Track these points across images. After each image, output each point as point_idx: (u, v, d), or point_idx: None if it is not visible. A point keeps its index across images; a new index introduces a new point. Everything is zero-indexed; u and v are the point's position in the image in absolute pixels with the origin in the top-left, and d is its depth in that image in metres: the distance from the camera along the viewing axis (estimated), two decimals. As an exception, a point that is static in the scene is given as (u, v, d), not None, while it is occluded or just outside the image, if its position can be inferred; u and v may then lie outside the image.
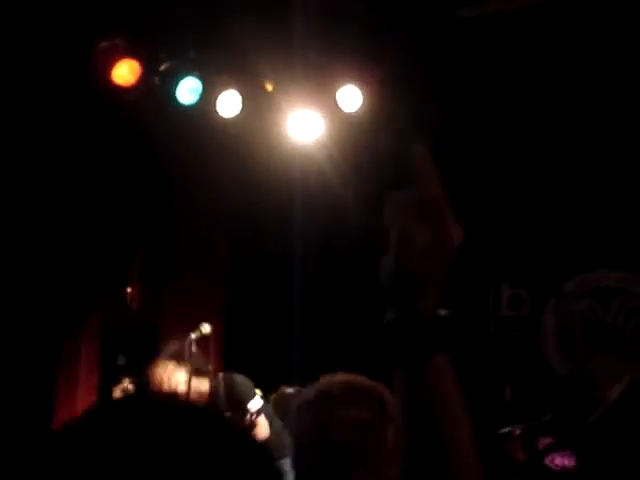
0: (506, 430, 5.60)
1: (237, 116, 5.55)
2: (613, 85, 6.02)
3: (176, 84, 5.34)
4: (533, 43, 5.94)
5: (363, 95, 5.81)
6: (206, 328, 4.63)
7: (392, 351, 0.99)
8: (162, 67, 5.28)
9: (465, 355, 5.98)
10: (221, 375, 4.73)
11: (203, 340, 4.65)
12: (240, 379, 4.69)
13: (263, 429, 4.60)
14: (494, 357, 6.42)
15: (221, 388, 4.67)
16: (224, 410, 4.53)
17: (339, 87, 5.80)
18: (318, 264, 6.10)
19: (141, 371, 5.72)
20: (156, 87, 5.32)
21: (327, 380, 1.87)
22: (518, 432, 5.51)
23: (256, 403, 4.62)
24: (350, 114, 5.84)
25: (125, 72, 5.18)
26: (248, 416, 4.51)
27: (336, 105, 5.79)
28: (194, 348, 4.60)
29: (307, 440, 1.81)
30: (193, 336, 4.59)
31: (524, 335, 6.54)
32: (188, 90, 5.39)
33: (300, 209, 5.62)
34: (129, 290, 7.16)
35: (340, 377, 1.88)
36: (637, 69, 5.84)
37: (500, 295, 6.65)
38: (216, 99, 5.51)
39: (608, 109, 6.09)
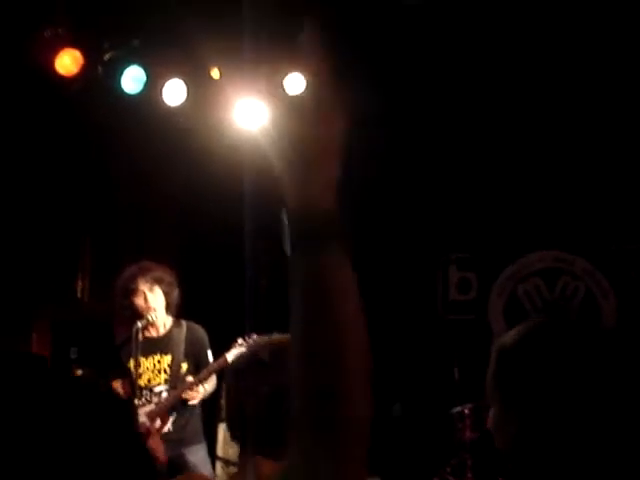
0: (456, 410, 5.71)
1: (183, 104, 5.53)
2: (558, 68, 6.13)
3: (120, 73, 5.30)
4: (477, 29, 6.01)
5: (307, 82, 5.82)
6: (152, 316, 4.67)
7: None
8: (105, 56, 5.24)
9: (415, 338, 6.06)
10: (185, 323, 4.80)
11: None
12: (202, 332, 4.78)
13: (212, 383, 4.69)
14: (443, 339, 6.51)
15: (183, 335, 4.75)
16: (181, 356, 4.66)
17: (285, 74, 5.82)
18: (268, 248, 6.12)
19: (93, 363, 5.72)
20: (100, 77, 5.27)
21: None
22: (467, 411, 5.61)
23: (210, 357, 4.74)
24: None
25: (68, 62, 5.13)
26: (205, 370, 4.61)
27: (283, 92, 5.80)
28: (141, 337, 4.64)
29: (234, 410, 1.84)
30: (140, 325, 4.63)
31: (473, 318, 6.65)
32: (132, 79, 5.35)
33: (249, 196, 5.64)
34: (79, 282, 7.11)
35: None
36: (586, 45, 5.94)
37: (449, 279, 6.74)
38: (161, 88, 5.48)
39: (554, 92, 6.20)
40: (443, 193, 6.59)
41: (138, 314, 4.67)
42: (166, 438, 4.66)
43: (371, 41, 5.91)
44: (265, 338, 1.92)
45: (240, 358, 1.94)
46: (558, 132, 6.31)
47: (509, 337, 1.58)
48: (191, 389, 4.61)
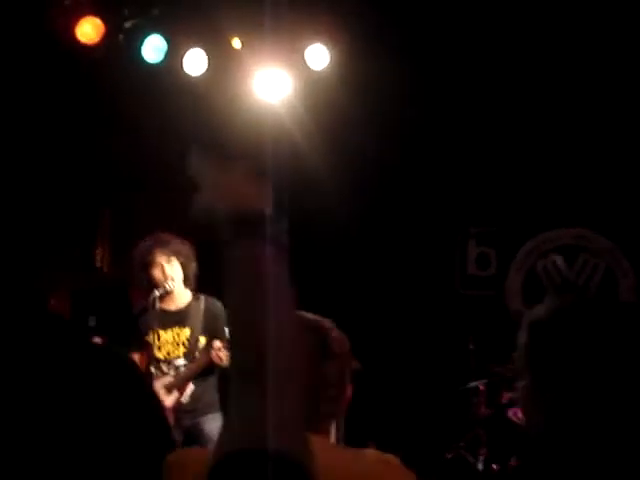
0: (471, 385, 5.70)
1: (203, 74, 5.51)
2: (580, 46, 6.05)
3: (141, 42, 5.28)
4: (501, 3, 5.94)
5: (331, 54, 5.78)
6: (170, 285, 4.69)
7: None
8: (126, 25, 5.22)
9: (432, 313, 6.04)
10: (203, 297, 4.80)
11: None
12: (220, 306, 4.76)
13: (225, 360, 4.68)
14: (461, 315, 6.50)
15: (201, 309, 4.76)
16: (199, 329, 4.67)
17: (307, 45, 5.78)
18: (287, 221, 6.11)
19: (111, 332, 5.76)
20: (121, 45, 5.26)
21: None
22: (482, 387, 5.61)
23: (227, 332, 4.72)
24: (318, 72, 5.82)
25: (89, 30, 5.12)
26: (219, 343, 4.59)
27: (304, 63, 5.77)
28: (157, 304, 4.66)
29: None
30: (157, 293, 4.65)
31: (491, 294, 6.62)
32: (153, 48, 5.33)
33: (273, 168, 5.61)
34: (98, 251, 7.14)
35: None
36: (600, 27, 5.87)
37: (467, 254, 6.71)
38: (182, 57, 5.46)
39: (575, 67, 6.13)
40: (464, 167, 6.54)
41: (155, 285, 4.69)
42: (183, 408, 4.70)
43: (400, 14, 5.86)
44: None
45: None
46: (584, 108, 6.24)
47: (543, 310, 1.56)
48: (218, 353, 4.58)
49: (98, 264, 7.15)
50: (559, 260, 6.52)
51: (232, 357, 1.13)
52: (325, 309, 6.38)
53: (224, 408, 5.00)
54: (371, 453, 1.81)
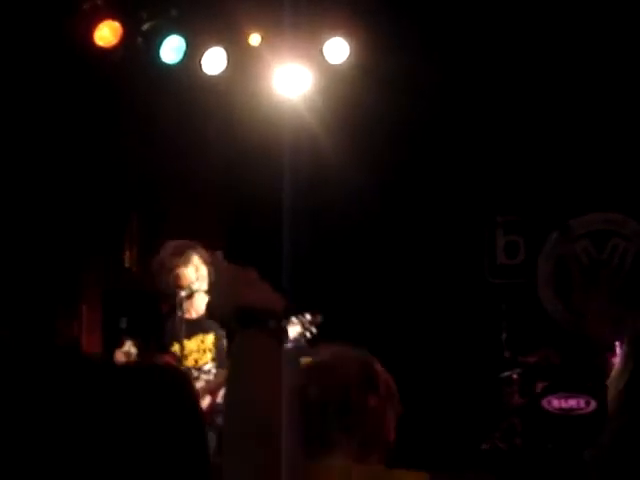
0: (504, 375, 5.66)
1: (223, 73, 5.51)
2: (608, 31, 5.97)
3: (159, 43, 5.29)
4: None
5: (350, 47, 5.76)
6: (195, 285, 4.70)
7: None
8: (144, 27, 5.23)
9: (462, 303, 5.98)
10: None
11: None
12: None
13: None
14: (491, 304, 6.44)
15: None
16: (223, 333, 4.69)
17: (326, 40, 5.75)
18: (307, 218, 6.11)
19: (142, 333, 5.79)
20: (139, 47, 5.27)
21: (323, 349, 1.92)
22: (515, 377, 5.56)
23: None
24: (337, 66, 5.80)
25: (107, 33, 5.14)
26: None
27: (323, 58, 5.74)
28: (185, 304, 4.68)
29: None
30: (183, 294, 4.66)
31: (520, 282, 6.56)
32: (172, 49, 5.34)
33: (288, 163, 5.61)
34: (126, 253, 7.18)
35: (333, 347, 1.93)
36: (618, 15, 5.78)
37: (496, 242, 6.66)
38: (201, 57, 5.46)
39: (602, 54, 6.05)
40: (490, 155, 6.49)
41: (181, 286, 4.69)
42: (217, 408, 4.73)
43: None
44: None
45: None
46: (610, 91, 6.15)
47: None
48: None
49: (127, 265, 7.19)
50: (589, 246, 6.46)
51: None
52: (352, 302, 6.37)
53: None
54: (406, 474, 1.83)
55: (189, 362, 4.73)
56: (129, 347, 5.57)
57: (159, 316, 5.22)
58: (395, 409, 1.92)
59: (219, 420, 4.70)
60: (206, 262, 4.73)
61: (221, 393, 4.74)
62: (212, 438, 4.64)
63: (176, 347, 4.70)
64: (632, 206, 6.31)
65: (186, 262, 4.70)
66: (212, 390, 4.72)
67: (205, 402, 4.70)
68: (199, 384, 4.72)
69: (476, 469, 5.45)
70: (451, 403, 6.19)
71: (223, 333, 4.75)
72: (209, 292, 4.81)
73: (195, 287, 4.69)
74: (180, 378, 1.20)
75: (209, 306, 1.45)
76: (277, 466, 1.20)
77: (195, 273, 4.69)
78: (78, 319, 6.97)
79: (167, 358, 4.75)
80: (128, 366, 1.26)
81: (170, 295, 4.72)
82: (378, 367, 1.92)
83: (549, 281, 6.53)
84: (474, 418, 5.98)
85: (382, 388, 1.87)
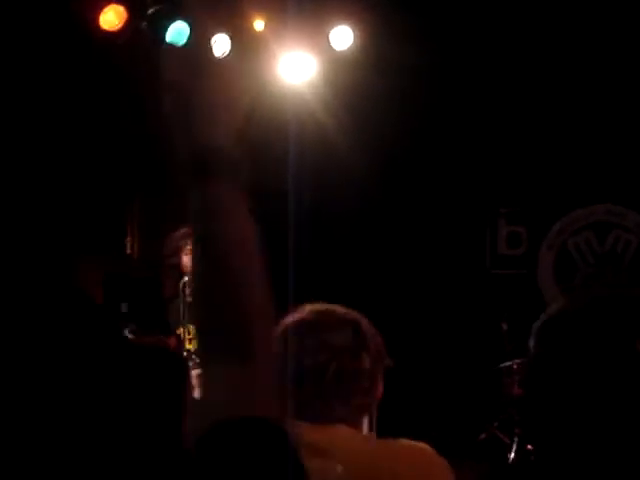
0: (504, 365, 5.66)
1: (227, 58, 5.48)
2: (608, 26, 5.95)
3: (164, 28, 5.26)
4: None
5: (355, 34, 5.73)
6: None
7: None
8: (149, 11, 5.20)
9: (463, 292, 5.99)
10: None
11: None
12: None
13: None
14: (492, 294, 6.45)
15: None
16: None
17: (332, 27, 5.73)
18: (312, 205, 6.10)
19: (142, 318, 5.79)
20: (143, 31, 5.25)
21: (306, 308, 1.88)
22: (515, 367, 5.57)
23: None
24: (342, 53, 5.77)
25: (112, 17, 5.12)
26: None
27: (328, 45, 5.72)
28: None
29: (283, 366, 1.82)
30: (187, 279, 4.66)
31: (522, 272, 6.56)
32: (176, 33, 5.31)
33: (293, 150, 5.60)
34: (128, 239, 7.17)
35: (315, 306, 1.89)
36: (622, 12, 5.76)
37: (498, 233, 6.65)
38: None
39: (602, 47, 6.03)
40: (495, 146, 6.47)
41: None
42: None
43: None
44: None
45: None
46: (613, 82, 6.13)
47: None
48: None
49: (128, 251, 7.19)
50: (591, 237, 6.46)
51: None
52: (354, 291, 6.37)
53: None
54: (404, 442, 1.81)
55: (192, 345, 4.74)
56: (126, 333, 5.60)
57: (161, 301, 5.23)
58: (384, 365, 1.90)
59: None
60: None
61: None
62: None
63: (181, 330, 4.70)
64: (633, 198, 6.31)
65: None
66: None
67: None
68: (197, 370, 4.72)
69: (474, 459, 5.47)
70: (450, 393, 6.21)
71: None
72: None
73: None
74: (166, 361, 1.21)
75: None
76: (248, 318, 1.12)
77: None
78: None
79: (166, 341, 4.75)
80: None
81: (175, 280, 4.74)
82: (365, 324, 1.90)
83: (550, 272, 6.53)
84: (473, 408, 5.99)
85: (372, 347, 1.85)
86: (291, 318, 1.88)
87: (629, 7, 5.80)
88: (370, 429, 5.77)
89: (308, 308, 1.88)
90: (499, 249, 6.65)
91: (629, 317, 1.28)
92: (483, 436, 5.63)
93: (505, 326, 5.78)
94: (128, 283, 7.03)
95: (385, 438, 1.87)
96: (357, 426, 1.83)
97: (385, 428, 5.74)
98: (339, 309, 1.88)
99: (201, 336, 1.18)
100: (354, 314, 1.88)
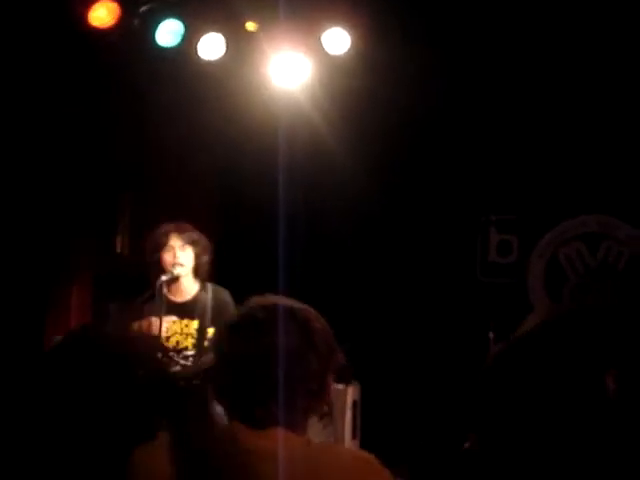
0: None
1: (219, 59, 5.45)
2: (607, 30, 5.92)
3: (156, 26, 5.24)
4: None
5: (350, 37, 5.70)
6: (177, 269, 4.66)
7: None
8: (142, 9, 5.18)
9: (453, 300, 5.94)
10: (210, 287, 4.79)
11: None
12: (227, 296, 4.77)
13: None
14: (481, 303, 6.41)
15: (209, 300, 4.75)
16: (208, 321, 4.66)
17: (325, 29, 5.70)
18: (303, 209, 6.08)
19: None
20: (136, 29, 5.22)
21: (254, 303, 1.83)
22: (502, 376, 5.52)
23: None
24: (338, 57, 5.74)
25: (103, 14, 5.08)
26: None
27: (322, 48, 5.69)
28: (165, 289, 4.64)
29: (227, 368, 1.79)
30: (164, 278, 4.63)
31: (512, 281, 6.53)
32: (169, 32, 5.28)
33: (285, 153, 5.56)
34: (118, 237, 7.14)
35: (267, 299, 1.84)
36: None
37: (489, 241, 6.62)
38: (197, 41, 5.40)
39: (595, 54, 6.01)
40: (487, 153, 6.45)
41: (164, 269, 4.67)
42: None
43: None
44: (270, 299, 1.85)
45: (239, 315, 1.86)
46: (606, 94, 6.11)
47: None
48: None
49: (118, 250, 7.15)
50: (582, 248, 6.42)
51: None
52: (343, 296, 6.32)
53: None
54: (348, 450, 1.78)
55: (170, 342, 4.70)
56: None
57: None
58: (335, 363, 1.84)
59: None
60: (191, 242, 4.70)
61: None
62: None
63: (157, 323, 4.66)
64: (626, 210, 6.28)
65: (165, 246, 4.68)
66: (187, 378, 4.72)
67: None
68: (176, 368, 4.69)
69: (458, 469, 5.43)
70: (436, 401, 6.17)
71: (208, 320, 4.73)
72: (196, 275, 4.79)
73: (175, 272, 4.66)
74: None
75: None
76: None
77: (172, 257, 4.67)
78: (68, 302, 6.94)
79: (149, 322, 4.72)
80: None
81: (156, 276, 4.70)
82: (314, 321, 1.83)
83: (540, 281, 6.49)
84: (459, 416, 5.95)
85: (321, 347, 1.79)
86: (238, 314, 1.84)
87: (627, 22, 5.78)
88: (353, 436, 5.74)
89: (255, 302, 1.83)
90: (489, 257, 6.62)
91: (602, 345, 1.23)
92: (467, 445, 5.59)
93: (492, 334, 5.74)
94: (117, 283, 6.99)
95: (328, 444, 1.84)
96: (301, 429, 1.78)
97: (371, 435, 5.71)
98: (288, 304, 1.83)
99: None
100: (304, 310, 1.83)
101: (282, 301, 1.83)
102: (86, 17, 5.08)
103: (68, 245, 6.85)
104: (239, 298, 4.83)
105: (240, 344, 1.74)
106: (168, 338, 4.70)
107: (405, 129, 6.36)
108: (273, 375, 1.68)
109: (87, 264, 7.11)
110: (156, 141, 6.59)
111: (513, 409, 1.24)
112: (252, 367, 1.71)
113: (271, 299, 1.84)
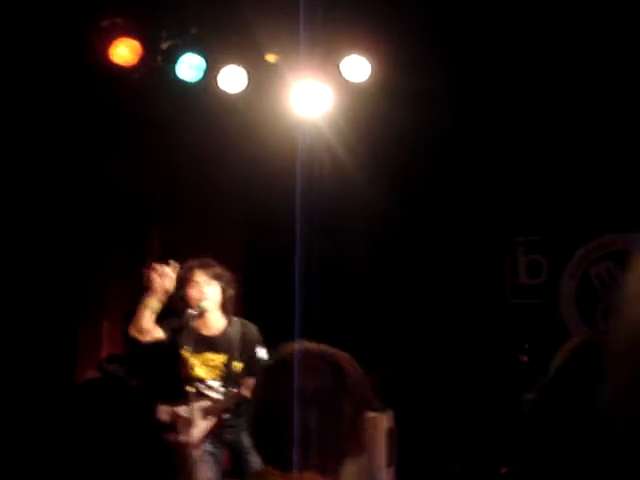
0: (524, 397, 5.55)
1: (242, 91, 5.50)
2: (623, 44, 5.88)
3: (178, 61, 5.29)
4: (539, 10, 5.81)
5: (370, 65, 5.72)
6: (204, 304, 4.68)
7: None
8: (164, 45, 5.23)
9: (483, 323, 5.89)
10: (238, 321, 4.82)
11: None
12: (255, 330, 4.80)
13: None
14: (512, 325, 6.36)
15: (237, 334, 4.77)
16: (236, 355, 4.68)
17: (345, 57, 5.73)
18: (325, 237, 6.07)
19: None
20: (158, 66, 5.27)
21: (287, 348, 1.83)
22: (536, 399, 5.45)
23: (263, 352, 4.72)
24: (359, 85, 5.76)
25: (126, 52, 5.14)
26: (251, 381, 4.57)
27: (342, 76, 5.72)
28: (197, 322, 4.66)
29: (261, 413, 1.79)
30: (191, 312, 4.64)
31: (542, 302, 6.46)
32: (191, 67, 5.34)
33: (307, 182, 5.58)
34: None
35: (299, 345, 1.84)
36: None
37: (517, 262, 6.57)
38: (219, 75, 5.45)
39: (619, 68, 5.97)
40: (513, 174, 6.42)
41: (190, 304, 4.69)
42: (225, 423, 4.77)
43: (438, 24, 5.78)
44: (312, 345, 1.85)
45: (277, 357, 1.86)
46: (630, 111, 6.06)
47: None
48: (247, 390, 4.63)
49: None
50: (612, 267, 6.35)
51: None
52: (375, 324, 6.28)
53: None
54: None
55: (196, 374, 4.72)
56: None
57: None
58: (369, 407, 1.83)
59: (228, 435, 4.72)
60: (217, 277, 4.72)
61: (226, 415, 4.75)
62: (221, 452, 4.77)
63: (185, 354, 4.68)
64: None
65: (191, 282, 4.70)
66: (219, 410, 4.73)
67: (206, 423, 4.71)
68: (206, 403, 4.71)
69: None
70: (471, 425, 6.11)
71: (236, 355, 4.74)
72: (223, 310, 4.81)
73: (203, 305, 4.67)
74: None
75: None
76: None
77: (199, 292, 4.69)
78: (99, 335, 6.98)
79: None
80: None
81: (181, 311, 4.72)
82: (348, 366, 1.83)
83: (573, 302, 6.42)
84: (494, 441, 5.89)
85: (355, 391, 1.78)
86: (271, 359, 1.85)
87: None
88: (389, 464, 5.69)
89: (290, 349, 1.83)
90: (519, 278, 6.56)
91: None
92: (504, 470, 5.52)
93: (525, 357, 5.68)
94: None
95: None
96: (332, 473, 1.77)
97: (406, 460, 5.66)
98: (322, 350, 1.83)
99: None
100: (336, 354, 1.83)
101: (314, 346, 1.83)
102: (107, 55, 5.14)
103: (100, 278, 6.90)
104: (265, 328, 4.86)
105: (273, 389, 1.75)
106: (193, 369, 4.72)
107: (426, 154, 6.36)
108: (305, 420, 1.68)
109: (117, 297, 7.16)
110: (182, 175, 6.65)
111: (557, 442, 1.24)
112: (284, 412, 1.71)
113: (303, 345, 1.84)
